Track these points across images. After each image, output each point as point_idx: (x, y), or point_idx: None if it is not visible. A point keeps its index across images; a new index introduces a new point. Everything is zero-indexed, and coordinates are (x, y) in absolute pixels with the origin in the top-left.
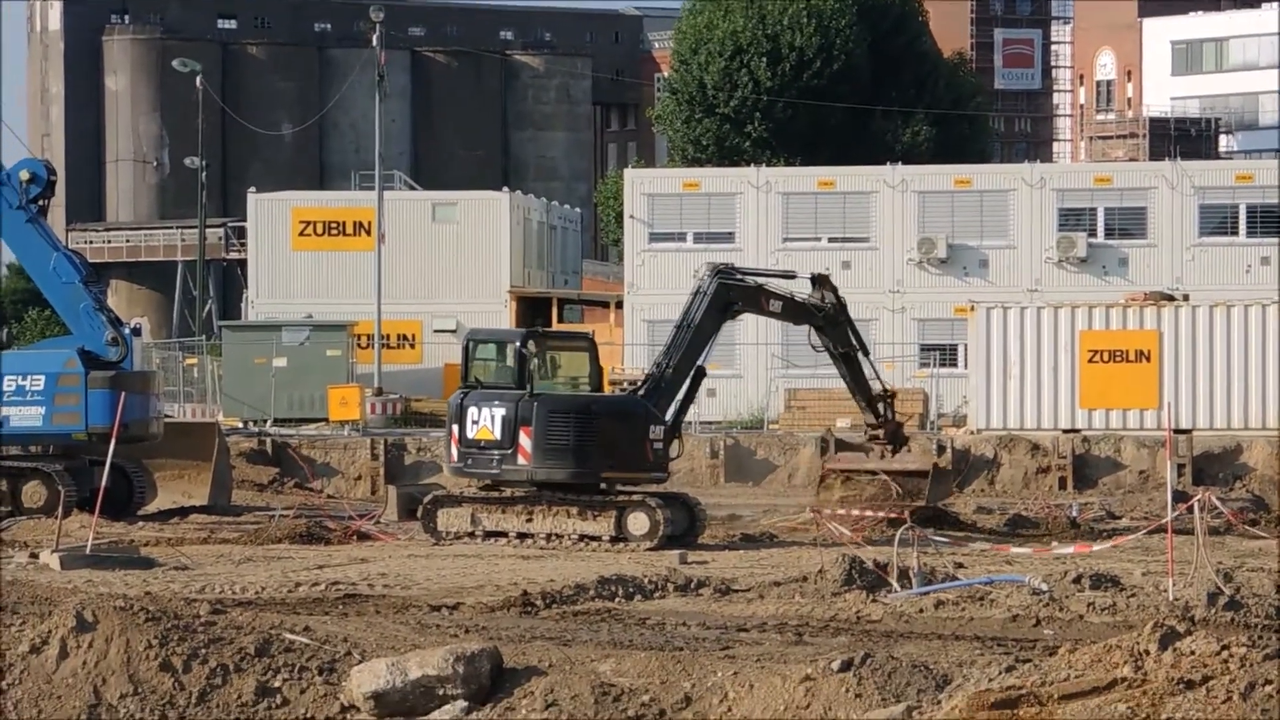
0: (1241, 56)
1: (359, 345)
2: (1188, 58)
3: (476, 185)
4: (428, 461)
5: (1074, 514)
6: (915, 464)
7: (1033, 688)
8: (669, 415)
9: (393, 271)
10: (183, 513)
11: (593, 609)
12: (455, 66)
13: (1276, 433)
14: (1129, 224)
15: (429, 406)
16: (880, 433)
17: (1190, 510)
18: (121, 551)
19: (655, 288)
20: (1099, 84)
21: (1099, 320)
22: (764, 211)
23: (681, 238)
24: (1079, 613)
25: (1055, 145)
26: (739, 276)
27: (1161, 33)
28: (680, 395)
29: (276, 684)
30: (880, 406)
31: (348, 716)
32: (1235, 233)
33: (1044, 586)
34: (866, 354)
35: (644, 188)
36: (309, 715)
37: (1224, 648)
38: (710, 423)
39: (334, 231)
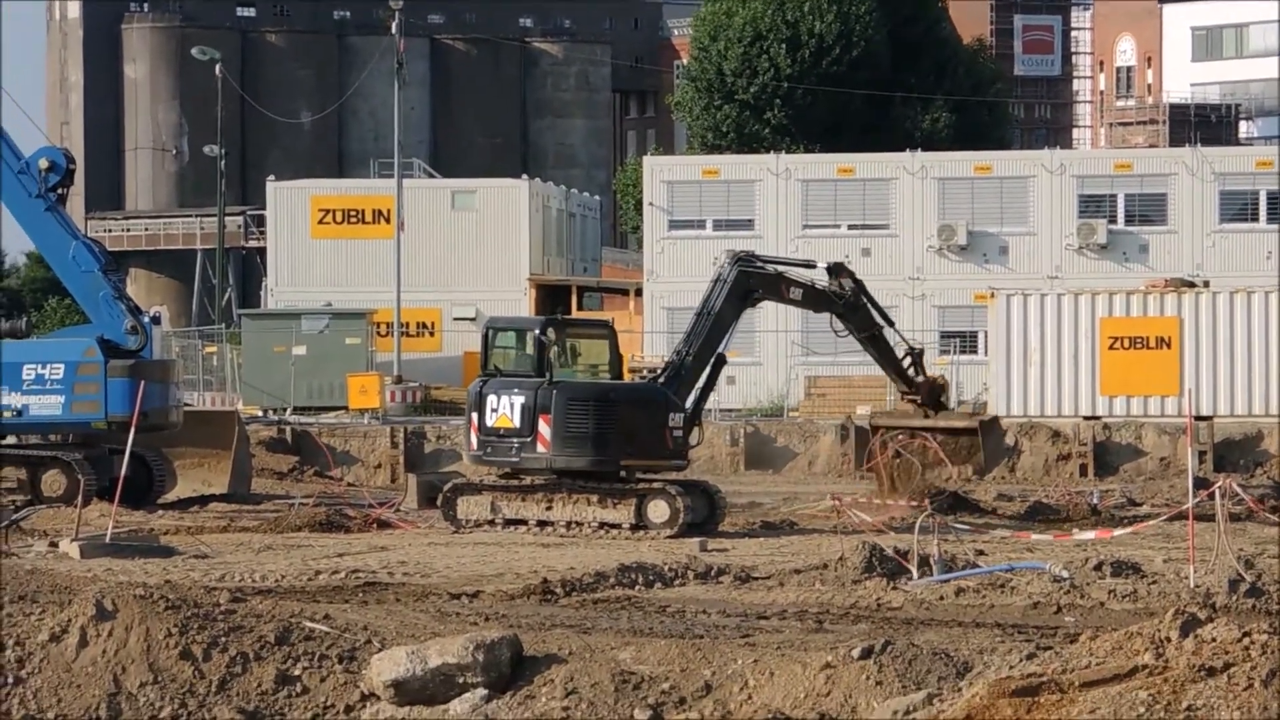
0: (1262, 42)
1: (378, 333)
2: (1208, 43)
3: (495, 173)
4: (447, 449)
5: (1095, 501)
6: (962, 422)
7: (1053, 675)
8: (689, 403)
9: (412, 259)
10: (202, 501)
11: (613, 597)
12: (474, 54)
13: None
14: (1149, 210)
15: (448, 394)
16: (916, 397)
17: (1211, 497)
18: (141, 540)
19: (674, 275)
20: (1119, 70)
21: (1119, 307)
22: (783, 198)
23: (701, 225)
24: (1100, 600)
25: (1075, 132)
26: (759, 264)
27: (1181, 18)
28: (700, 383)
29: (296, 672)
30: (911, 372)
31: (367, 705)
32: (1256, 219)
33: (1065, 573)
34: (891, 324)
35: (663, 175)
36: (329, 703)
37: (1245, 634)
38: (730, 410)
39: (353, 219)
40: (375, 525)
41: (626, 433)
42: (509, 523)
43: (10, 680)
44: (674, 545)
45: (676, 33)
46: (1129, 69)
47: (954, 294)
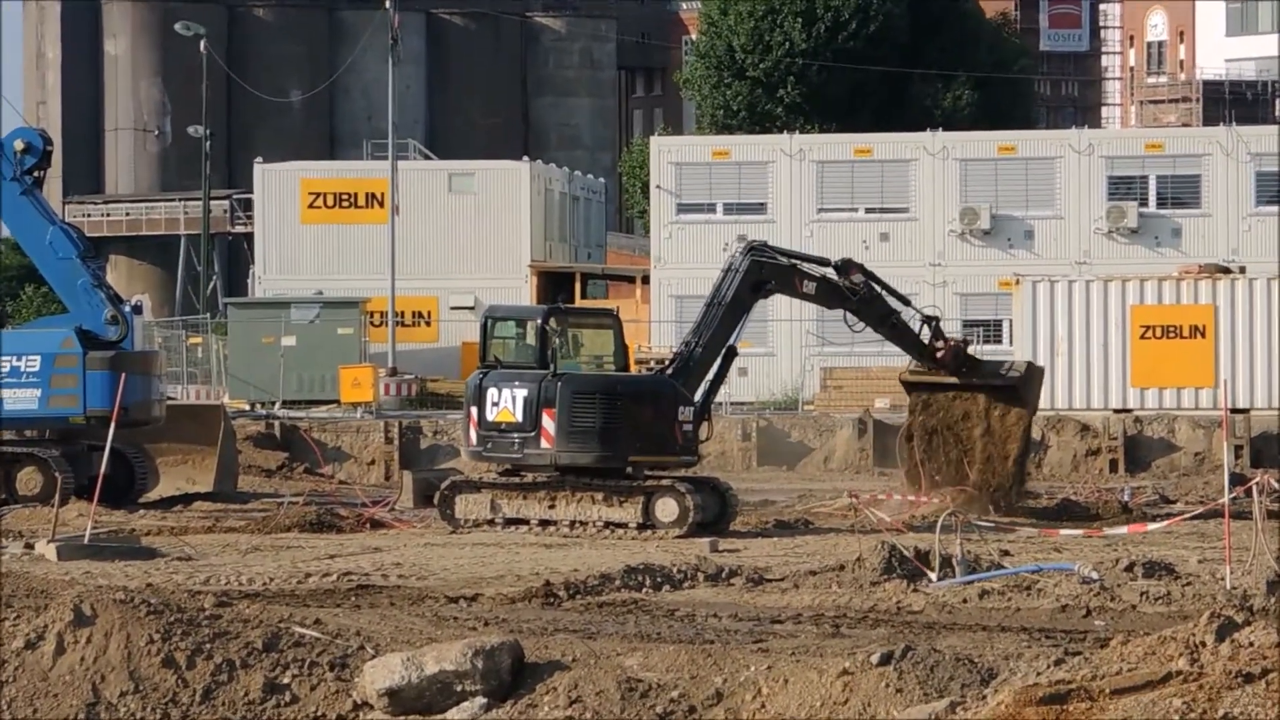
0: None
1: (372, 323)
2: (1243, 17)
3: (495, 154)
4: (445, 445)
5: (1126, 498)
6: (997, 380)
7: (1083, 682)
8: (699, 396)
9: (407, 245)
10: (186, 500)
11: (619, 600)
12: (473, 29)
13: None
14: (1182, 193)
15: (446, 387)
16: (944, 368)
17: (1248, 494)
18: (122, 541)
19: (683, 262)
20: (1149, 45)
21: (1151, 294)
22: (797, 181)
23: (711, 209)
24: (1131, 602)
25: (1104, 110)
26: (773, 254)
27: None
28: (710, 375)
29: (285, 680)
30: (930, 343)
31: (361, 714)
32: None
33: (1094, 575)
34: (907, 303)
35: (671, 156)
36: (320, 713)
37: None
38: (742, 403)
39: (345, 203)
40: (369, 525)
41: (633, 427)
42: (510, 522)
43: None
44: (683, 545)
45: (685, 7)
46: (1160, 44)
47: (977, 281)
